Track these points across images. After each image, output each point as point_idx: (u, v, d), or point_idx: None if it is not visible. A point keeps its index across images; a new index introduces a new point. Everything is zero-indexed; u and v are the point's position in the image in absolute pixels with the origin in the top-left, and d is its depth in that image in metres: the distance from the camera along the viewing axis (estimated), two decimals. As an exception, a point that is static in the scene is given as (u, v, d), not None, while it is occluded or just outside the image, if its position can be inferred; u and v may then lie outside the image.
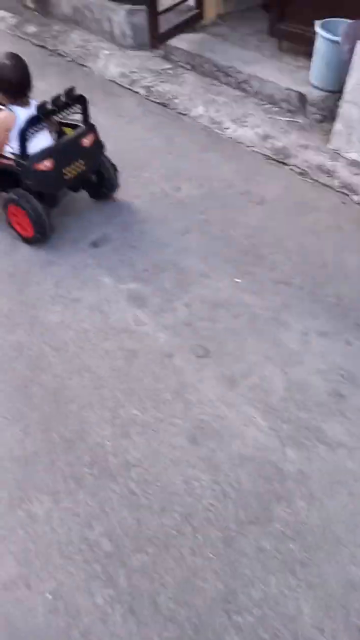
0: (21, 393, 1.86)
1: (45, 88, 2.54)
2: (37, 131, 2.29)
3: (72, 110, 2.40)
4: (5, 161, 2.34)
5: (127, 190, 2.76)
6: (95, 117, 3.31)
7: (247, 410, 1.77)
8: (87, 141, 2.44)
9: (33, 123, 2.24)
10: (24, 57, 2.35)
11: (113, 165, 2.63)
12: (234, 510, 1.54)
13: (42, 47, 4.55)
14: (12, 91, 2.26)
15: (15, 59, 2.27)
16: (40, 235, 2.42)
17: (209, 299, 2.19)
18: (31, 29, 4.79)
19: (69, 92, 2.32)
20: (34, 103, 2.30)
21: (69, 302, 2.19)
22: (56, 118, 2.44)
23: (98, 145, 2.51)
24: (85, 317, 2.12)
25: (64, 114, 2.38)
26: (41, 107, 2.24)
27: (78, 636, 1.33)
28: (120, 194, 2.74)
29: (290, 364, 1.92)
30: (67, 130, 2.49)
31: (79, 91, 2.38)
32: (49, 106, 2.25)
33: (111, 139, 2.94)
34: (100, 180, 2.64)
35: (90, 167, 2.51)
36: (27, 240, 2.47)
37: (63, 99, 2.30)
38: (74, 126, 2.48)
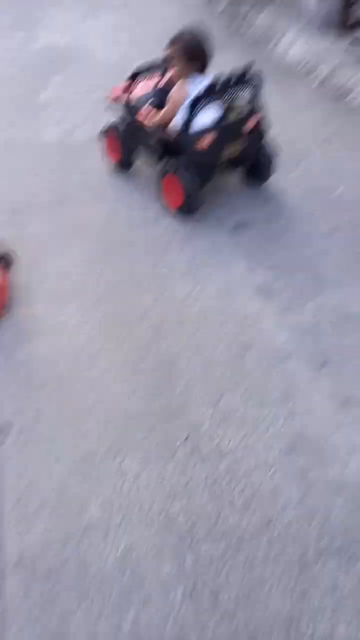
0: (137, 355, 1.91)
1: (222, 66, 2.48)
2: (205, 106, 2.24)
3: (244, 89, 2.30)
4: (169, 131, 2.34)
5: (281, 179, 2.62)
6: (265, 99, 3.19)
7: (357, 437, 1.60)
8: (251, 123, 2.33)
9: (203, 97, 2.19)
10: (210, 33, 2.30)
11: (272, 152, 2.50)
12: (316, 536, 1.42)
13: (229, 24, 4.47)
14: (193, 63, 2.23)
15: (199, 32, 2.23)
16: (188, 208, 2.41)
17: (340, 309, 2.00)
18: (222, 5, 4.72)
19: (246, 70, 2.22)
20: (208, 77, 2.24)
21: (199, 279, 2.17)
22: (227, 95, 2.36)
23: (261, 129, 2.40)
24: (210, 297, 2.09)
25: (236, 91, 2.30)
26: (214, 83, 2.18)
27: (138, 600, 1.35)
28: (273, 183, 2.61)
29: None
30: (235, 108, 2.40)
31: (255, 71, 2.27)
32: (222, 82, 2.19)
33: (276, 125, 2.80)
34: (256, 164, 2.53)
35: (249, 150, 2.41)
36: (174, 212, 2.48)
37: (238, 75, 2.21)
38: (243, 105, 2.39)
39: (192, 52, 2.22)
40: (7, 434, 1.71)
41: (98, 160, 2.85)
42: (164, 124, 2.35)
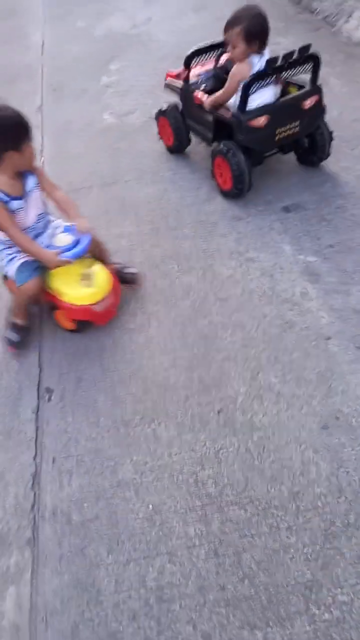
0: (179, 329, 2.05)
1: (287, 45, 2.55)
2: (262, 85, 2.33)
3: (302, 69, 2.38)
4: (224, 112, 2.46)
5: (338, 160, 2.67)
6: (328, 79, 3.23)
7: (394, 418, 1.66)
8: (308, 103, 2.40)
9: (260, 77, 2.29)
10: (277, 11, 2.37)
11: (329, 133, 2.55)
12: (344, 509, 1.49)
13: (297, 2, 4.50)
14: (253, 43, 2.30)
15: (258, 11, 2.31)
16: (237, 190, 2.52)
17: (390, 293, 2.04)
18: (291, -17, 4.76)
19: (303, 50, 2.30)
20: (266, 55, 2.33)
21: (245, 260, 2.27)
22: (284, 75, 2.44)
23: (319, 109, 2.46)
24: (255, 278, 2.19)
25: (293, 71, 2.38)
26: (271, 62, 2.27)
27: (164, 552, 1.49)
28: (329, 164, 2.66)
29: None
30: (292, 89, 2.48)
31: (320, 51, 2.34)
32: (279, 62, 2.27)
33: (338, 105, 2.86)
34: (312, 145, 2.59)
35: (304, 131, 2.48)
36: (224, 193, 2.60)
37: (296, 56, 2.29)
38: (300, 86, 2.46)
39: (253, 34, 2.29)
40: (50, 397, 1.92)
41: (153, 142, 3.03)
42: (221, 104, 2.46)
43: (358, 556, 1.40)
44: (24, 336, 2.11)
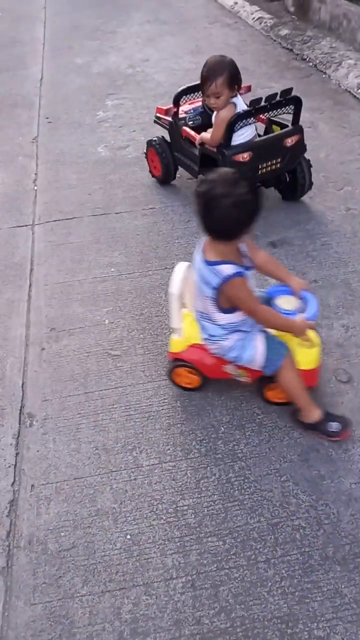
0: (162, 358, 2.09)
1: (278, 89, 2.68)
2: (245, 124, 2.48)
3: (284, 110, 2.54)
4: (210, 148, 2.59)
5: (324, 199, 2.80)
6: (317, 123, 3.42)
7: (374, 451, 1.70)
8: (290, 141, 2.55)
9: (244, 117, 2.44)
10: (272, 58, 2.54)
11: (309, 167, 2.69)
12: (322, 543, 1.51)
13: (290, 50, 4.79)
14: (234, 87, 2.46)
15: (228, 58, 2.47)
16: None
17: (372, 329, 2.12)
18: (284, 31, 5.07)
19: (285, 92, 2.47)
20: (239, 97, 2.48)
21: (231, 291, 2.35)
22: (267, 115, 2.59)
23: (300, 147, 2.61)
24: (241, 310, 2.26)
25: (276, 112, 2.54)
26: (254, 103, 2.43)
27: (140, 583, 1.49)
28: (316, 203, 2.79)
29: None
30: (276, 128, 2.64)
31: (311, 96, 2.50)
32: (263, 102, 2.43)
33: (326, 148, 3.02)
34: (292, 181, 2.73)
35: (285, 167, 2.63)
36: (213, 226, 2.71)
37: (278, 97, 2.45)
38: (283, 125, 2.62)
39: (234, 78, 2.45)
40: (32, 423, 1.93)
41: (146, 176, 3.16)
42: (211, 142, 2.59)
43: (335, 590, 1.42)
44: (337, 418, 1.75)
